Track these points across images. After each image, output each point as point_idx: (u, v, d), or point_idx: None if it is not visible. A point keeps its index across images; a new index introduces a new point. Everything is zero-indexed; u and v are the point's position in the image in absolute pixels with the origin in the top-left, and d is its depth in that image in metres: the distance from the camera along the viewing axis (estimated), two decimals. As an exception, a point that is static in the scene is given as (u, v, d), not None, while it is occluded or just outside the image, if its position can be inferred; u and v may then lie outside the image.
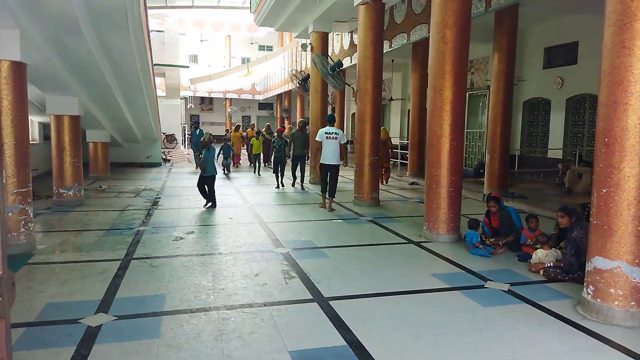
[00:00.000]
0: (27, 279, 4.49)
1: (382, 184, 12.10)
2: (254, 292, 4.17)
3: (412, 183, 12.42)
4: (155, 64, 23.43)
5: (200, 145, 9.06)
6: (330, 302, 3.94)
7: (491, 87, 9.69)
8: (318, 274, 4.67)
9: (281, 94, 29.43)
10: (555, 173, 11.63)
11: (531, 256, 5.23)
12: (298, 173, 11.32)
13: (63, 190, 8.59)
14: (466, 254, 5.50)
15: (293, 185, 11.37)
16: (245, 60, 31.95)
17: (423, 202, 9.37)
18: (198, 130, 16.21)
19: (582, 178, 9.98)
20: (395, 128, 20.55)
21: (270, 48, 34.36)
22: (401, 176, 13.48)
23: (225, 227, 6.91)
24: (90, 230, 6.69)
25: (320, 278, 4.56)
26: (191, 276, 4.59)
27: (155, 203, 9.04)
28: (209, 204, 8.58)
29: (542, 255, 4.94)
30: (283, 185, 11.28)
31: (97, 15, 5.87)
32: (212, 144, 8.79)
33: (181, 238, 6.19)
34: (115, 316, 3.62)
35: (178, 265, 4.94)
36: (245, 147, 17.42)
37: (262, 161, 14.94)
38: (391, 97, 19.00)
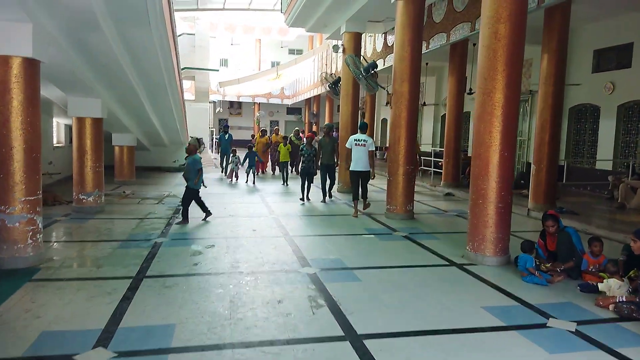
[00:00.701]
0: (28, 300, 4.05)
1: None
2: (276, 325, 3.61)
3: (447, 194, 11.67)
4: (185, 67, 23.40)
5: (186, 151, 7.88)
6: (365, 342, 3.34)
7: (539, 91, 8.89)
8: (350, 303, 4.08)
9: (310, 98, 29.01)
10: (604, 186, 10.70)
11: (595, 286, 4.51)
12: (327, 184, 10.09)
13: (83, 196, 8.28)
14: (519, 281, 4.80)
15: (323, 201, 9.98)
16: (275, 64, 31.69)
17: (461, 216, 8.93)
18: (227, 135, 15.48)
19: (637, 192, 9.07)
20: (428, 134, 19.78)
21: (300, 52, 34.00)
22: (435, 186, 12.74)
23: (248, 241, 6.39)
24: (105, 241, 6.28)
25: (353, 308, 3.96)
26: (206, 301, 4.06)
27: (177, 211, 8.63)
28: (207, 215, 7.75)
29: (614, 286, 4.21)
30: (309, 200, 10.04)
31: (116, 8, 5.48)
32: (199, 151, 7.89)
33: (200, 252, 5.71)
34: (116, 352, 3.11)
35: (193, 287, 4.44)
36: (270, 154, 16.40)
37: (289, 169, 13.86)
38: (424, 102, 18.24)
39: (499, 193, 5.32)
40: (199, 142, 7.92)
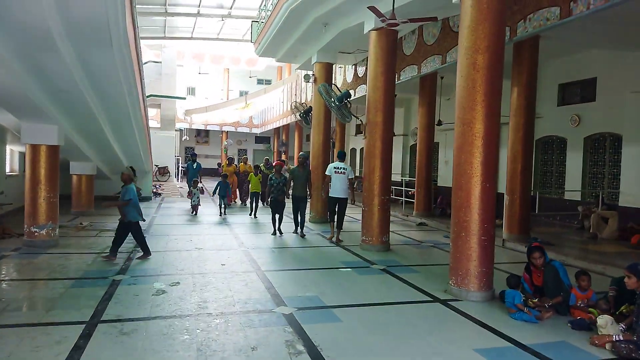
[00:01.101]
0: (-41, 352, 3.49)
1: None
2: (250, 378, 3.19)
3: (420, 224, 11.52)
4: (151, 95, 22.89)
5: (121, 179, 7.15)
6: (353, 396, 2.97)
7: (510, 123, 8.95)
8: (332, 349, 3.70)
9: (279, 127, 28.86)
10: (574, 216, 10.80)
11: (587, 323, 4.31)
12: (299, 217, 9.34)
13: (35, 229, 7.63)
14: (507, 319, 4.55)
15: (295, 232, 9.37)
16: (243, 94, 31.55)
17: (437, 247, 8.70)
18: (195, 163, 14.67)
19: (609, 223, 9.14)
20: (397, 164, 19.81)
21: (269, 82, 34.04)
22: (407, 215, 12.59)
23: (217, 277, 5.93)
24: (58, 279, 5.69)
25: (336, 354, 3.59)
26: (170, 350, 3.60)
27: (136, 246, 8.05)
28: (145, 254, 6.97)
29: (609, 324, 4.01)
30: (281, 233, 9.25)
31: (75, 29, 5.09)
32: (134, 182, 7.16)
33: (163, 291, 5.21)
34: (60, 419, 2.63)
35: (155, 333, 3.96)
36: (238, 184, 15.43)
37: (259, 200, 12.24)
38: (393, 133, 18.32)
39: (482, 225, 5.13)
40: (133, 171, 7.26)
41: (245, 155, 15.27)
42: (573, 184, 11.42)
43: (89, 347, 3.63)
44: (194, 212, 12.27)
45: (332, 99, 8.03)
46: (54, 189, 7.77)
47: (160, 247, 7.84)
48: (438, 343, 3.90)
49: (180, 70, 28.73)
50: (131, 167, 7.33)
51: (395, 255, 7.60)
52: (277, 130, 30.48)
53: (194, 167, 14.61)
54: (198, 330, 4.03)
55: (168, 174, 24.17)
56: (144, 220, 7.34)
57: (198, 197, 12.51)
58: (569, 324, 4.41)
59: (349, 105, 8.21)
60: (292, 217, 9.49)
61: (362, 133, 22.37)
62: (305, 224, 9.59)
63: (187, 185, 15.15)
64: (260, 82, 35.15)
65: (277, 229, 9.29)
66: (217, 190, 12.34)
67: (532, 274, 5.00)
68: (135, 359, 3.43)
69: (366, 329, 4.19)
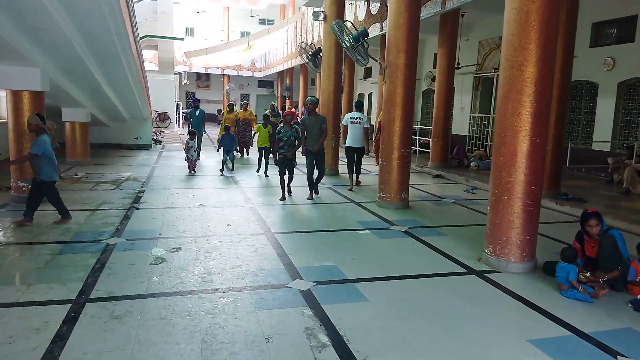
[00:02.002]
0: None
1: (376, 164, 10.82)
2: (267, 383, 2.62)
3: (437, 176, 10.84)
4: (147, 36, 21.55)
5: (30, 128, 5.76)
6: (394, 411, 2.40)
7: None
8: (361, 340, 3.12)
9: (282, 71, 27.59)
10: (601, 169, 10.09)
11: (651, 303, 3.71)
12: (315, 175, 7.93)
13: (23, 184, 6.99)
14: (557, 297, 3.95)
15: (310, 198, 7.80)
16: (244, 34, 29.88)
17: (459, 204, 7.88)
18: (198, 110, 13.12)
19: (644, 177, 8.44)
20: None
21: (271, 22, 32.25)
22: (422, 167, 11.89)
23: (222, 241, 5.33)
24: (44, 242, 5.09)
25: (366, 349, 3.01)
26: (169, 342, 3.02)
27: (136, 199, 7.44)
28: (65, 218, 5.93)
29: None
30: (290, 192, 8.01)
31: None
32: (48, 132, 5.86)
33: (162, 259, 4.62)
34: None
35: (152, 317, 3.37)
36: (238, 133, 13.13)
37: (269, 156, 10.38)
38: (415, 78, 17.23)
39: (528, 187, 4.42)
40: (41, 119, 5.75)
41: (247, 100, 13.28)
42: (602, 134, 10.60)
43: (73, 337, 3.05)
44: (192, 171, 10.29)
45: (348, 39, 7.08)
46: (40, 140, 7.03)
47: (160, 203, 7.22)
48: (484, 331, 3.31)
49: (177, 9, 27.05)
50: (37, 114, 5.82)
51: (416, 214, 6.97)
52: (280, 73, 29.19)
53: (197, 114, 13.14)
54: (202, 313, 3.45)
55: (169, 120, 23.30)
56: (61, 179, 6.30)
57: (197, 151, 10.72)
58: (630, 305, 3.81)
59: (365, 46, 7.27)
60: (307, 177, 7.85)
61: (371, 77, 21.25)
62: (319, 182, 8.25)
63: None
64: (262, 22, 33.34)
65: (285, 192, 7.83)
66: (221, 144, 10.61)
67: (584, 244, 4.35)
68: (127, 355, 2.85)
69: (397, 311, 3.60)
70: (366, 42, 7.30)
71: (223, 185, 9.05)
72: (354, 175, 8.98)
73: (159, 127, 23.05)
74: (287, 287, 4.01)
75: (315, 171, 7.82)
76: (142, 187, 8.61)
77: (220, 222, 6.17)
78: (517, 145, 4.39)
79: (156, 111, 22.92)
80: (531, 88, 4.29)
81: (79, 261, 4.52)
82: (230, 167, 10.85)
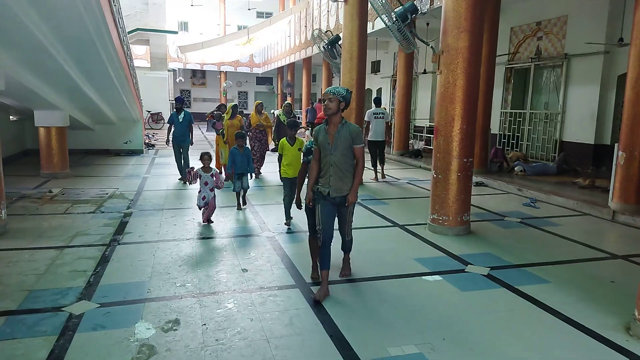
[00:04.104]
0: None
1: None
2: None
3: (478, 184, 9.22)
4: (137, 29, 19.80)
5: None
6: None
7: (633, 49, 6.40)
8: None
9: (283, 66, 25.89)
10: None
11: None
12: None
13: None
14: None
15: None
16: (241, 29, 28.20)
17: (530, 225, 6.08)
18: (183, 113, 8.99)
19: None
20: (424, 107, 17.21)
21: (269, 15, 30.51)
22: (456, 172, 10.24)
23: (239, 302, 3.68)
24: (-24, 315, 3.43)
25: None
26: None
27: (120, 228, 5.77)
28: None
29: None
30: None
31: None
32: None
33: (151, 349, 2.96)
34: None
35: None
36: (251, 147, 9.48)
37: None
38: (425, 70, 15.59)
39: None
40: None
41: (260, 100, 10.09)
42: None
43: None
44: (207, 221, 6.04)
45: (393, 16, 5.43)
46: (-8, 154, 5.37)
47: (151, 234, 5.55)
48: None
49: (170, 1, 25.30)
50: None
51: (485, 243, 5.34)
52: (280, 69, 27.50)
53: (180, 119, 8.98)
54: None
55: (162, 121, 21.61)
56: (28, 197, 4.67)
57: (211, 190, 5.98)
58: None
59: (413, 26, 5.64)
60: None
61: (380, 71, 19.56)
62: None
63: (174, 155, 9.31)
64: (260, 15, 31.61)
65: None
66: (233, 164, 6.68)
67: None
68: None
69: None
70: (413, 22, 5.64)
71: (227, 201, 7.38)
72: (379, 167, 9.57)
73: (151, 128, 21.36)
74: (362, 412, 2.37)
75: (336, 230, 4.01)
76: (129, 207, 6.94)
77: (232, 265, 4.52)
78: None
79: (148, 111, 21.24)
80: None
81: (22, 353, 2.87)
82: (242, 200, 6.97)
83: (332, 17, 15.41)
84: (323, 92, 3.87)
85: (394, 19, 5.48)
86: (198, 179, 5.94)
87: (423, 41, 6.01)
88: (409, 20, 5.54)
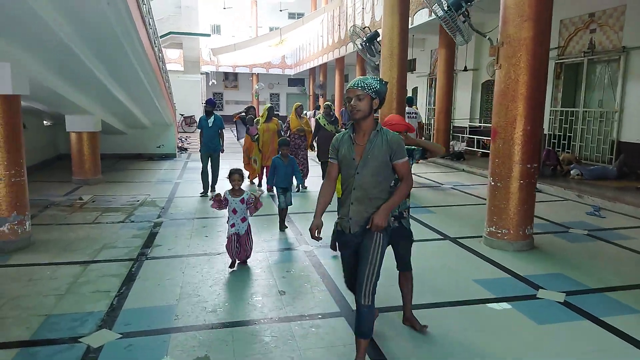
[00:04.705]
0: None
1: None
2: None
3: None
4: (170, 32, 19.78)
5: None
6: None
7: None
8: None
9: (314, 67, 25.47)
10: None
11: None
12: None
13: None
14: None
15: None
16: (273, 30, 27.99)
17: (600, 238, 5.27)
18: (212, 117, 7.99)
19: None
20: (464, 107, 16.39)
21: (301, 15, 30.18)
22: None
23: (277, 332, 3.19)
24: (-13, 344, 3.08)
25: None
26: None
27: (149, 240, 5.41)
28: None
29: None
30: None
31: None
32: None
33: (176, 398, 2.51)
34: None
35: None
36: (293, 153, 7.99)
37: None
38: (465, 67, 14.81)
39: None
40: None
41: (301, 104, 8.78)
42: None
43: None
44: (233, 265, 4.53)
45: (446, 5, 4.85)
46: (17, 162, 5.08)
47: (181, 247, 5.15)
48: None
49: (202, 4, 25.30)
50: None
51: (554, 262, 4.68)
52: (312, 70, 27.08)
53: (210, 124, 7.97)
54: None
55: (195, 124, 21.53)
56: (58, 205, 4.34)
57: (244, 220, 4.54)
58: None
59: (467, 15, 5.05)
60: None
61: (415, 70, 18.84)
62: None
63: (201, 165, 8.29)
64: (292, 16, 31.30)
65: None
66: (274, 176, 5.85)
67: None
68: None
69: None
70: (467, 10, 5.05)
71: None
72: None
73: (184, 132, 21.34)
74: None
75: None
76: (159, 216, 6.60)
77: (267, 286, 4.05)
78: None
79: (181, 115, 21.22)
80: None
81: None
82: (282, 219, 5.94)
83: (367, 14, 14.86)
84: (347, 87, 2.61)
85: (447, 9, 4.89)
86: (225, 206, 4.50)
87: (479, 32, 5.39)
88: (463, 9, 4.95)
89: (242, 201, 4.46)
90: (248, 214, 4.52)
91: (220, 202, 4.47)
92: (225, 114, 28.85)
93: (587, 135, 11.03)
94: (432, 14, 5.38)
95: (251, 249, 4.60)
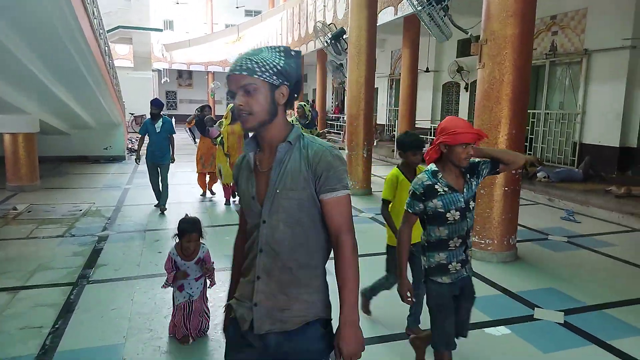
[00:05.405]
0: None
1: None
2: None
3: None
4: (120, 27, 18.61)
5: None
6: None
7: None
8: None
9: (274, 66, 24.82)
10: None
11: None
12: None
13: None
14: None
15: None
16: (229, 27, 27.09)
17: (578, 245, 5.08)
18: (160, 121, 6.69)
19: None
20: (425, 108, 16.28)
21: (258, 13, 29.46)
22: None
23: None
24: None
25: None
26: None
27: (92, 259, 4.70)
28: None
29: None
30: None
31: None
32: None
33: None
34: None
35: None
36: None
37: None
38: (427, 68, 14.70)
39: None
40: None
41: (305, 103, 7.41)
42: None
43: None
44: (187, 340, 3.08)
45: (426, -3, 4.46)
46: None
47: (130, 267, 4.48)
48: None
49: (154, -2, 24.12)
50: None
51: (542, 274, 4.38)
52: (271, 69, 26.40)
53: (157, 128, 6.65)
54: None
55: (147, 124, 20.40)
56: None
57: (197, 279, 3.15)
58: None
59: (447, 9, 4.69)
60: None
61: (375, 69, 18.60)
62: None
63: (149, 176, 6.85)
64: (249, 13, 30.53)
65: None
66: None
67: None
68: None
69: None
70: (448, 6, 4.69)
71: (225, 219, 6.32)
72: None
73: (135, 132, 20.16)
74: None
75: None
76: (104, 228, 5.87)
77: (234, 314, 3.49)
78: None
79: (132, 114, 20.04)
80: None
81: None
82: None
83: (329, 12, 14.44)
84: (227, 74, 1.46)
85: (426, 3, 4.51)
86: (175, 270, 3.09)
87: (460, 28, 5.03)
88: (443, 4, 4.59)
89: (197, 262, 3.12)
90: (206, 275, 3.17)
91: (170, 268, 3.07)
92: (179, 113, 27.68)
93: (548, 137, 11.08)
94: (411, 8, 4.96)
95: (209, 317, 3.22)
